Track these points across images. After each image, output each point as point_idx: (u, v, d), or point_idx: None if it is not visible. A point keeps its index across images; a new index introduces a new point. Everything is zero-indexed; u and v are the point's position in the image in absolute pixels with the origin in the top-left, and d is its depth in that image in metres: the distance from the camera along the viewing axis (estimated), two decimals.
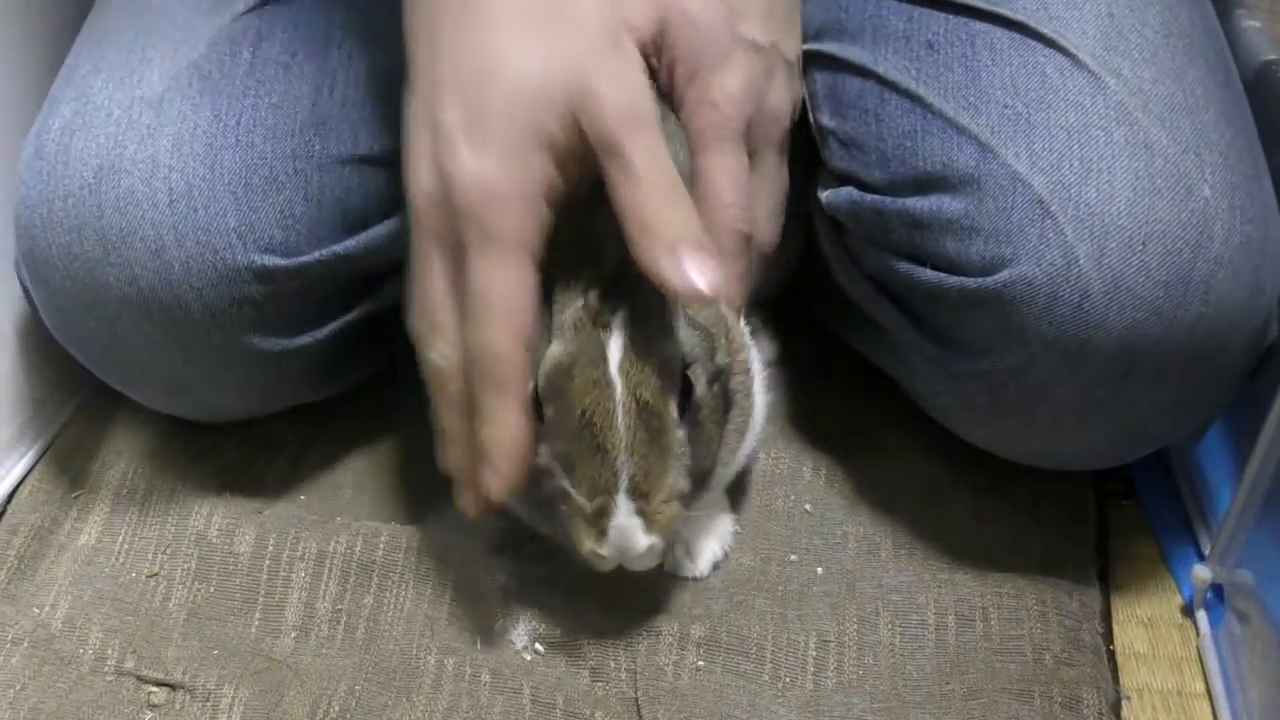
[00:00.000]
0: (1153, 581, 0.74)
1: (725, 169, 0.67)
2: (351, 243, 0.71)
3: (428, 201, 0.61)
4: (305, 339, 0.73)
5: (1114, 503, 0.76)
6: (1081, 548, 0.74)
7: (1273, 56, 0.75)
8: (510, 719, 0.64)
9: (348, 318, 0.74)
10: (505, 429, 0.59)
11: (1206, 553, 0.72)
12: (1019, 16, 0.68)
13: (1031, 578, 0.71)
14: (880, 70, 0.70)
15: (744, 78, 0.68)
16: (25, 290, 0.74)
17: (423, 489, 0.71)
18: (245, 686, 0.65)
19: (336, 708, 0.64)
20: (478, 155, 0.59)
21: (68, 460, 0.79)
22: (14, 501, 0.76)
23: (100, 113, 0.69)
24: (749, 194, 0.68)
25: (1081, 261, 0.63)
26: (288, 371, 0.74)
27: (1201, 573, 0.71)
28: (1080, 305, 0.64)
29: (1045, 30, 0.68)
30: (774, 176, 0.72)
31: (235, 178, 0.68)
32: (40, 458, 0.79)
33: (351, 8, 0.74)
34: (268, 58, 0.71)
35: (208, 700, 0.65)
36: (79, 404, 0.82)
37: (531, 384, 0.60)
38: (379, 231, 0.72)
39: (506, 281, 0.59)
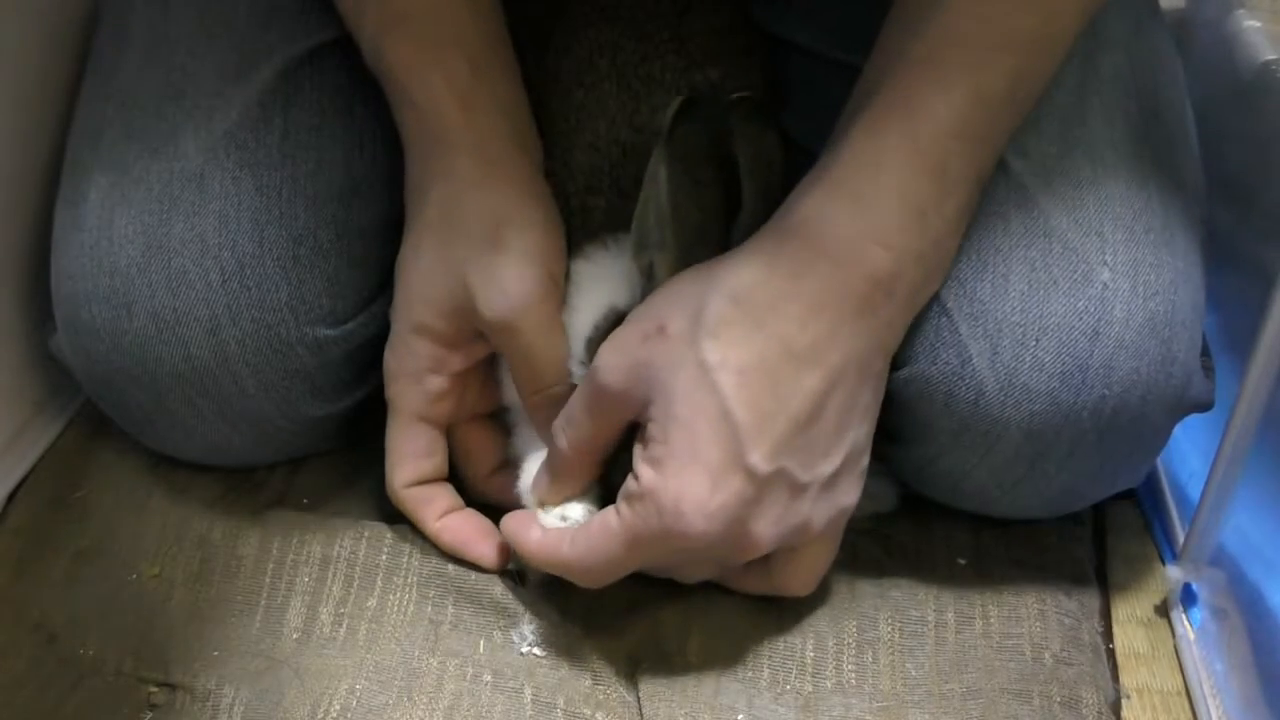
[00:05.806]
0: (1152, 581, 0.74)
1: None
2: (388, 300, 0.71)
3: None
4: (347, 400, 0.74)
5: (1112, 501, 0.76)
6: (1080, 546, 0.74)
7: (1273, 56, 0.75)
8: (511, 719, 0.64)
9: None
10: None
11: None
12: None
13: (1030, 576, 0.71)
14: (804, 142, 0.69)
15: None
16: (57, 355, 0.74)
17: None
18: (245, 686, 0.65)
19: (337, 707, 0.64)
20: (388, 343, 0.70)
21: (68, 461, 0.78)
22: (14, 502, 0.76)
23: (140, 186, 0.69)
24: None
25: (975, 360, 0.64)
26: (327, 431, 0.76)
27: (1173, 573, 0.71)
28: (976, 402, 0.64)
29: None
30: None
31: (284, 252, 0.69)
32: (41, 458, 0.79)
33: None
34: (299, 122, 0.71)
35: (208, 700, 0.64)
36: (79, 405, 0.82)
37: None
38: None
39: (392, 436, 0.71)
